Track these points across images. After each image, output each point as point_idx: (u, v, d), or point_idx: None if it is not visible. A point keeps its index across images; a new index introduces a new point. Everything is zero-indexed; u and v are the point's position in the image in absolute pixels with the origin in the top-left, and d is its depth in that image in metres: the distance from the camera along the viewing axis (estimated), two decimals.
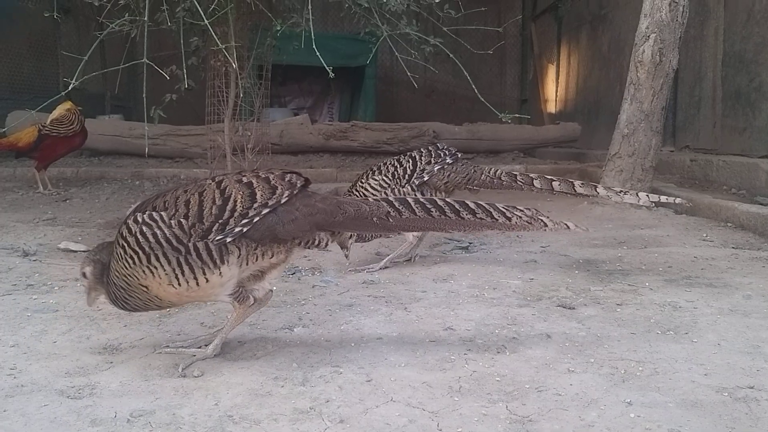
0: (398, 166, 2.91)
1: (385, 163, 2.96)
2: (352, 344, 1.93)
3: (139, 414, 1.48)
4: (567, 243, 3.39)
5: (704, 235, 3.52)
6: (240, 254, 1.72)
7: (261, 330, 2.07)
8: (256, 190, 1.73)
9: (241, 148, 4.13)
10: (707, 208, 4.01)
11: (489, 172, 2.89)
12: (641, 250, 3.18)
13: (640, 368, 1.72)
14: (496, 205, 1.85)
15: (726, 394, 1.56)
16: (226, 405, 1.52)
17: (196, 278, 1.69)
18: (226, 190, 1.72)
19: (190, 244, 1.68)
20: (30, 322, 2.14)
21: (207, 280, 1.70)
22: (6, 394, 1.59)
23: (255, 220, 1.71)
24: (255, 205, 1.71)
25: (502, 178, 2.84)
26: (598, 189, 2.70)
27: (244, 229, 1.70)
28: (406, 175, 2.88)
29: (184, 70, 3.28)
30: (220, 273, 1.70)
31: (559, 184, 2.73)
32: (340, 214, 1.78)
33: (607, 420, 1.44)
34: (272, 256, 1.78)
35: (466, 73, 3.75)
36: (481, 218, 1.81)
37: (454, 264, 2.96)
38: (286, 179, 1.77)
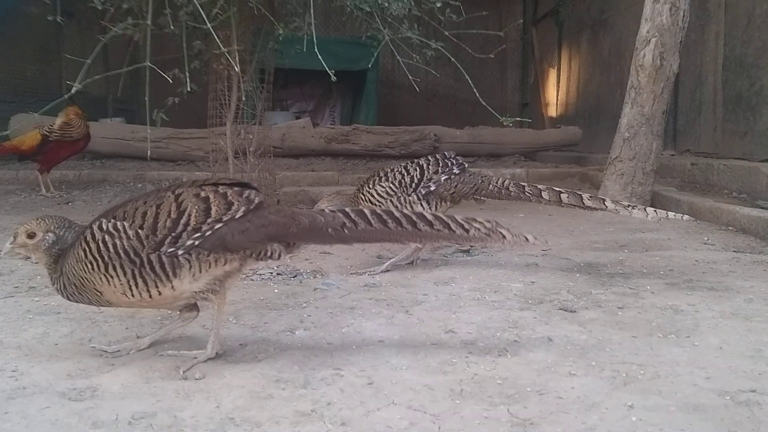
0: (405, 174, 2.91)
1: (392, 170, 2.96)
2: (354, 347, 1.93)
3: (140, 416, 1.48)
4: (568, 246, 3.39)
5: (705, 238, 3.52)
6: (191, 266, 1.72)
7: (262, 332, 2.07)
8: (212, 205, 1.74)
9: (242, 151, 4.13)
10: (708, 212, 4.02)
11: (497, 183, 2.89)
12: (642, 254, 3.18)
13: (642, 372, 1.72)
14: (455, 217, 1.86)
15: (728, 397, 1.56)
16: (227, 407, 1.52)
17: (149, 291, 1.71)
18: (182, 204, 1.74)
19: (144, 256, 1.69)
20: (32, 325, 2.14)
21: (159, 293, 1.73)
22: (8, 396, 1.59)
23: (207, 234, 1.72)
24: (209, 221, 1.73)
25: (510, 189, 2.84)
26: (606, 203, 2.69)
27: (196, 243, 1.71)
28: (413, 184, 2.88)
29: (187, 74, 3.29)
30: (173, 286, 1.73)
31: (568, 197, 2.72)
32: (294, 225, 1.79)
33: (608, 423, 1.44)
34: (225, 263, 1.77)
35: (467, 76, 3.76)
36: (438, 230, 1.82)
37: (456, 267, 2.96)
38: (244, 195, 1.78)
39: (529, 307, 2.33)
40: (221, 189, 1.79)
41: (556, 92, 10.78)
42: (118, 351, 1.87)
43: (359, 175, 5.72)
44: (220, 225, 1.73)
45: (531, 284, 2.63)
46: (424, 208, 2.87)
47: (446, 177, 2.89)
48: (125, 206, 1.77)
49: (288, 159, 7.18)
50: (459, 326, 2.11)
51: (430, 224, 1.82)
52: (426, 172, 2.89)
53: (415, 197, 2.86)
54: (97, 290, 1.74)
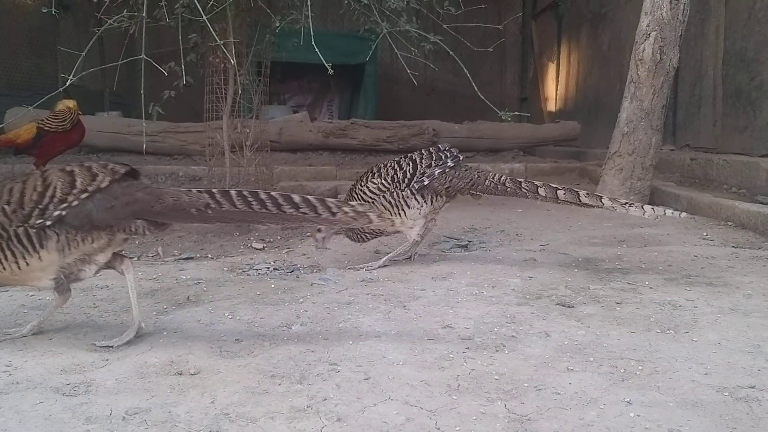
0: (398, 169, 2.87)
1: (385, 165, 2.93)
2: (351, 342, 1.92)
3: (134, 412, 1.47)
4: (566, 241, 3.38)
5: (704, 233, 3.50)
6: (59, 240, 1.81)
7: (258, 328, 2.06)
8: (77, 177, 1.83)
9: (239, 146, 4.11)
10: (707, 207, 4.00)
11: (493, 178, 2.84)
12: (641, 249, 3.17)
13: (640, 367, 1.71)
14: (326, 200, 1.90)
15: (727, 393, 1.55)
16: (222, 403, 1.51)
17: (17, 262, 1.80)
18: (48, 179, 1.82)
19: (11, 230, 1.77)
20: (26, 319, 2.13)
21: (27, 264, 1.80)
22: (1, 391, 1.58)
23: (74, 204, 1.80)
24: (74, 191, 1.81)
25: (507, 185, 2.79)
26: (603, 200, 2.66)
27: (63, 213, 1.79)
28: (406, 179, 2.84)
29: (183, 67, 3.26)
30: (40, 257, 1.81)
31: (564, 194, 2.69)
32: (159, 203, 1.86)
33: (606, 419, 1.43)
34: (92, 241, 1.85)
35: (466, 70, 3.73)
36: (303, 212, 1.86)
37: (453, 262, 2.94)
38: (108, 167, 1.88)
39: (527, 302, 2.31)
40: (87, 164, 1.88)
41: (555, 87, 10.76)
42: (109, 345, 1.87)
43: (357, 170, 5.70)
44: (86, 195, 1.81)
45: (529, 279, 2.62)
46: (419, 203, 2.84)
47: (440, 170, 2.84)
48: None
49: (285, 153, 7.14)
50: (456, 321, 2.10)
51: (296, 206, 1.86)
52: (419, 167, 2.85)
53: (409, 192, 2.83)
54: None
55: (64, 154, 5.86)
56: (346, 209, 1.88)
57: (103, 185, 1.83)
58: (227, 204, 1.84)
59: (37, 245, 1.79)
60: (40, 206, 1.79)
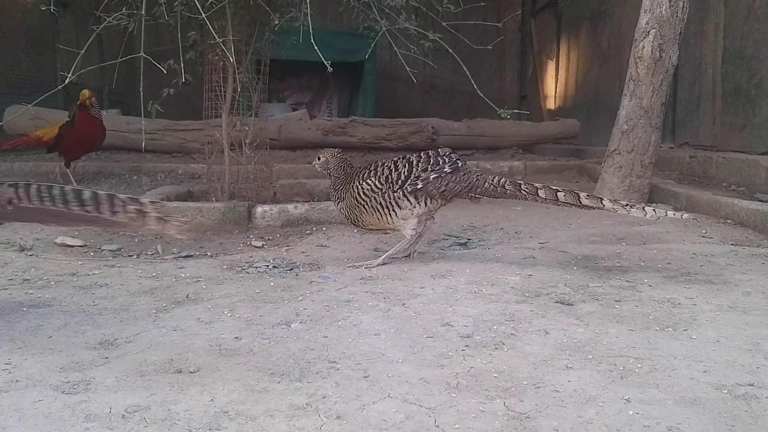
0: (393, 169, 2.86)
1: (382, 165, 2.91)
2: (350, 340, 1.92)
3: (134, 409, 1.47)
4: (566, 239, 3.38)
5: (703, 231, 3.51)
6: None
7: (258, 326, 2.06)
8: None
9: (238, 143, 4.11)
10: (706, 205, 4.00)
11: (492, 181, 2.83)
12: (640, 247, 3.17)
13: (639, 365, 1.71)
14: (114, 197, 1.91)
15: (725, 391, 1.56)
16: (221, 401, 1.51)
17: None
18: None
19: None
20: (25, 317, 2.13)
21: None
22: (0, 389, 1.58)
23: None
24: None
25: (506, 187, 2.78)
26: (603, 202, 2.65)
27: None
28: (399, 181, 2.82)
29: (182, 65, 3.26)
30: None
31: (564, 195, 2.68)
32: None
33: (605, 417, 1.43)
34: None
35: (465, 68, 3.73)
36: (87, 211, 1.89)
37: (453, 260, 2.94)
38: None
39: (526, 300, 2.32)
40: None
41: (554, 84, 10.75)
42: None
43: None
44: None
45: (528, 277, 2.62)
46: (411, 204, 2.83)
47: (435, 175, 2.82)
48: None
49: (285, 151, 7.14)
50: (455, 319, 2.10)
51: (82, 204, 1.89)
52: (414, 169, 2.83)
53: (401, 194, 2.82)
54: None
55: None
56: (130, 208, 1.89)
57: None
58: (26, 200, 1.88)
59: None
60: None
